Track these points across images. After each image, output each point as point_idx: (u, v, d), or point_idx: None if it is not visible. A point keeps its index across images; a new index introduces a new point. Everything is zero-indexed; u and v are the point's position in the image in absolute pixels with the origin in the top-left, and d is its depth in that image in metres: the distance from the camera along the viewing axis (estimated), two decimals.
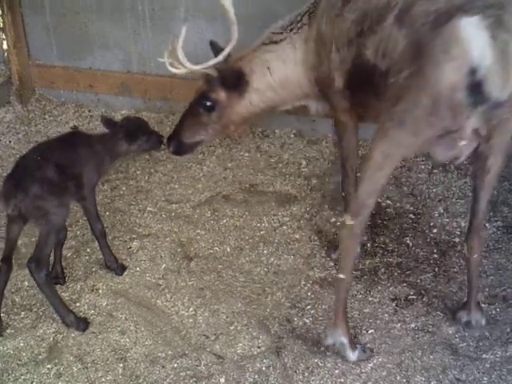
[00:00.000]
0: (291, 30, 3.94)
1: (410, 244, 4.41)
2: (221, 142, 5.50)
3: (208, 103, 4.04)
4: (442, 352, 3.67)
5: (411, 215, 4.67)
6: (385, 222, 4.62)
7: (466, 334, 3.78)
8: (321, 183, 5.02)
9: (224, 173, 5.18)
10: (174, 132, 4.24)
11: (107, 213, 4.69)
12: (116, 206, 4.80)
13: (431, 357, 3.65)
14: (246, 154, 5.33)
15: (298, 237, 4.55)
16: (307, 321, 3.91)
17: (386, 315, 3.93)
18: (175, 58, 3.81)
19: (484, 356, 3.64)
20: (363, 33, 3.49)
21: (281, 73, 3.99)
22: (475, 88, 2.97)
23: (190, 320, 3.92)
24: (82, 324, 3.81)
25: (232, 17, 3.76)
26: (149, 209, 4.80)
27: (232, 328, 3.86)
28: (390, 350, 3.70)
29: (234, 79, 3.98)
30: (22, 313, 3.94)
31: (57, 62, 5.86)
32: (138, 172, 5.16)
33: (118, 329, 3.83)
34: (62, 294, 3.99)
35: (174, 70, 3.89)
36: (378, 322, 3.88)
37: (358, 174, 3.90)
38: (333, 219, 4.69)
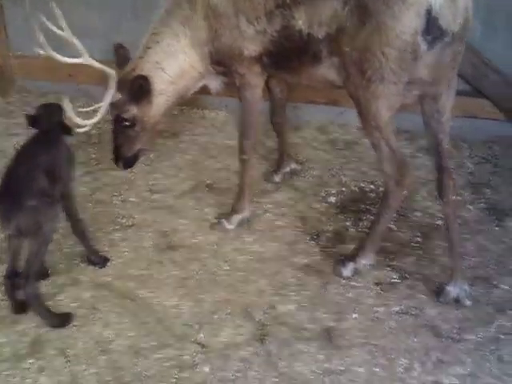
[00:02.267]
0: (165, 23, 4.14)
1: (394, 228, 4.41)
2: (204, 130, 5.49)
3: (127, 123, 4.22)
4: (425, 334, 3.69)
5: None
6: (368, 207, 4.62)
7: (449, 316, 3.79)
8: (304, 169, 5.01)
9: (207, 161, 5.17)
10: (114, 152, 4.37)
11: (89, 204, 4.66)
12: (98, 198, 4.77)
13: (415, 339, 3.66)
14: (229, 142, 5.30)
15: (281, 224, 4.55)
16: (291, 307, 3.91)
17: (369, 299, 3.93)
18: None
19: (466, 337, 3.66)
20: (286, 4, 3.69)
21: (175, 67, 4.19)
22: (432, 25, 3.35)
23: (174, 310, 3.90)
24: (67, 320, 3.78)
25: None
26: (131, 199, 4.78)
27: (216, 317, 3.85)
28: (373, 334, 3.71)
29: (138, 91, 4.13)
30: (4, 309, 3.88)
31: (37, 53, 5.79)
32: None
33: (101, 321, 3.80)
34: (45, 287, 3.97)
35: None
36: (362, 306, 3.89)
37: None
38: (316, 205, 4.68)
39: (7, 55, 5.82)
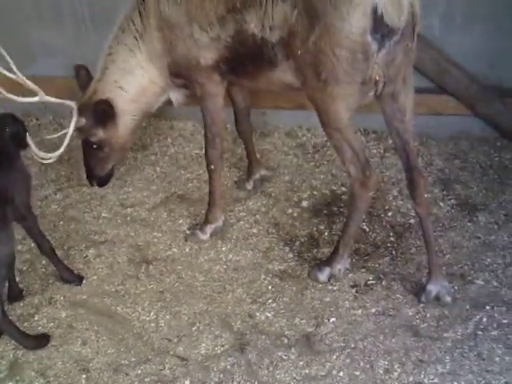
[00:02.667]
0: (120, 41, 4.15)
1: (367, 229, 4.43)
2: (173, 141, 5.47)
3: (95, 146, 4.27)
4: (404, 334, 3.70)
5: None
6: (340, 210, 4.63)
7: (427, 315, 3.81)
8: (275, 175, 5.01)
9: (178, 172, 5.15)
10: (87, 172, 4.46)
11: (61, 222, 4.63)
12: (70, 215, 4.73)
13: (393, 340, 3.68)
14: (198, 152, 5.28)
15: (255, 231, 4.54)
16: (269, 315, 3.91)
17: (346, 302, 3.94)
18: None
19: (445, 335, 3.68)
20: (237, 9, 3.70)
21: (134, 84, 4.21)
22: (379, 23, 3.35)
23: (152, 324, 3.88)
24: (43, 341, 3.74)
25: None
26: (103, 215, 4.75)
27: (194, 329, 3.84)
28: (352, 337, 3.71)
29: (102, 115, 4.15)
30: None
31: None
32: None
33: (79, 340, 3.78)
34: (20, 309, 3.96)
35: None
36: (340, 310, 3.90)
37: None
38: (289, 210, 4.69)
39: None
